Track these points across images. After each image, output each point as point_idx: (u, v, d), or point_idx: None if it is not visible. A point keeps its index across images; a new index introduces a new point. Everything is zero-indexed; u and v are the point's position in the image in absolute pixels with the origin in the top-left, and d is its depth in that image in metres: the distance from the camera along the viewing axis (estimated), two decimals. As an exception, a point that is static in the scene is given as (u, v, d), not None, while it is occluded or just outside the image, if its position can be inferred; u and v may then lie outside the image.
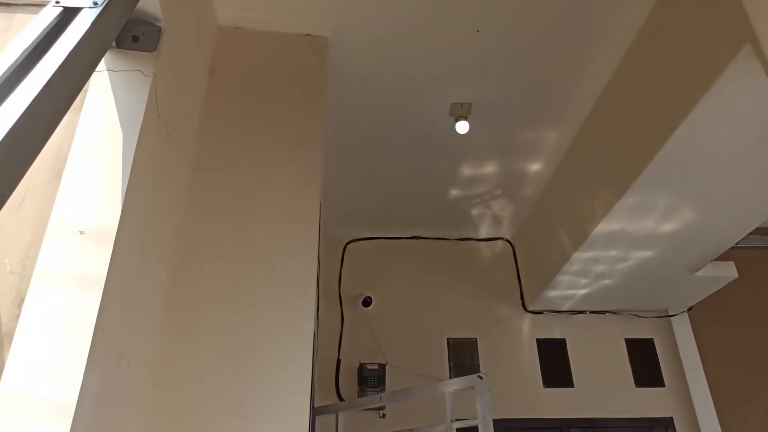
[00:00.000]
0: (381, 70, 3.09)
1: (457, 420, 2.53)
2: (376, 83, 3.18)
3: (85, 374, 1.29)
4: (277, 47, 2.69)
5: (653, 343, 4.41)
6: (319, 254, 2.49)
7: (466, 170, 3.98)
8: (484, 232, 4.75)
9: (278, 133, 2.46)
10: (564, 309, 4.43)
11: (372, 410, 3.79)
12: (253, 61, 2.63)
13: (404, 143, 3.67)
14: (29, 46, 1.18)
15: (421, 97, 3.29)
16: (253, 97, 2.53)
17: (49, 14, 1.27)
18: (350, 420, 3.17)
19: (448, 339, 4.31)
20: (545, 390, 4.19)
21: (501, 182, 4.12)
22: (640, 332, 4.45)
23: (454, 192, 4.22)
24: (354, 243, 4.65)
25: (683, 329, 4.40)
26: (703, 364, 4.26)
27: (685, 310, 4.42)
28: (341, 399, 4.00)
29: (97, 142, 1.62)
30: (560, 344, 4.36)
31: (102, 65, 1.67)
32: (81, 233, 1.45)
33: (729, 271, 3.91)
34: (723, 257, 3.78)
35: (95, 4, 1.32)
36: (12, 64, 1.13)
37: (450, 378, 3.96)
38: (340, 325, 4.30)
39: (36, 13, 1.30)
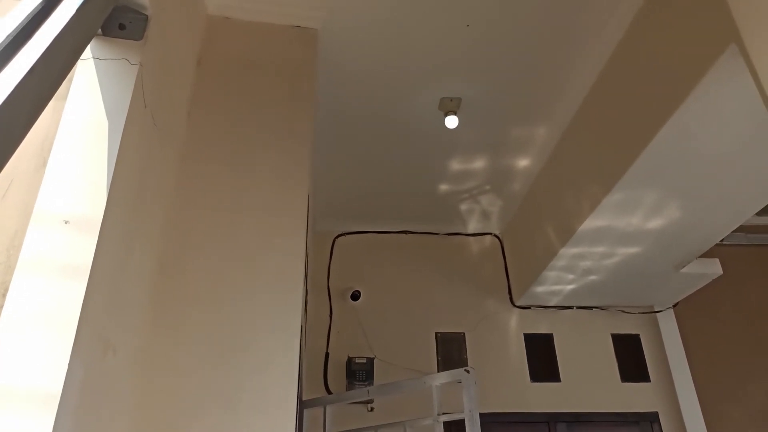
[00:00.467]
0: (370, 64, 3.08)
1: (444, 413, 2.54)
2: (366, 77, 3.17)
3: (70, 364, 1.28)
4: (266, 38, 2.67)
5: (639, 338, 4.45)
6: (307, 248, 2.49)
7: (455, 165, 3.99)
8: (472, 227, 4.76)
9: (266, 125, 2.45)
10: (551, 304, 4.46)
11: (360, 404, 3.80)
12: (242, 52, 2.61)
13: (393, 137, 3.67)
14: (12, 31, 1.16)
15: (410, 92, 3.29)
16: (242, 88, 2.51)
17: (33, -1, 1.25)
18: (338, 413, 3.17)
19: (436, 333, 4.32)
20: (532, 384, 4.21)
21: (490, 178, 4.13)
22: (626, 328, 4.49)
23: (443, 187, 4.22)
24: (343, 237, 4.64)
25: (669, 325, 4.44)
26: (688, 360, 4.31)
27: (671, 306, 4.47)
28: (329, 392, 4.00)
29: (83, 131, 1.60)
30: (547, 339, 4.39)
31: (87, 53, 1.65)
32: (66, 222, 1.43)
33: (714, 268, 3.95)
34: (708, 254, 3.82)
35: (81, -10, 1.30)
36: (-5, 50, 1.11)
37: (438, 372, 3.97)
38: (328, 318, 4.30)
39: (20, -2, 1.28)
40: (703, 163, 2.82)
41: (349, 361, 4.06)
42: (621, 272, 3.93)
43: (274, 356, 2.01)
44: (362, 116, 3.48)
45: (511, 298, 4.51)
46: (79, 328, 1.34)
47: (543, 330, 4.44)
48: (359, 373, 3.99)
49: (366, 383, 3.92)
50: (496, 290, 4.55)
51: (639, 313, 4.52)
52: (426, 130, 3.56)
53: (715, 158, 2.78)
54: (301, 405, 2.77)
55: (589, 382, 4.23)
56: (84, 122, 1.61)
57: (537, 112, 3.49)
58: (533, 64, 3.10)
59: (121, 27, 1.72)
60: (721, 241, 3.66)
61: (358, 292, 4.36)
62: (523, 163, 3.97)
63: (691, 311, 4.46)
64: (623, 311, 4.52)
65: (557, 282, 4.12)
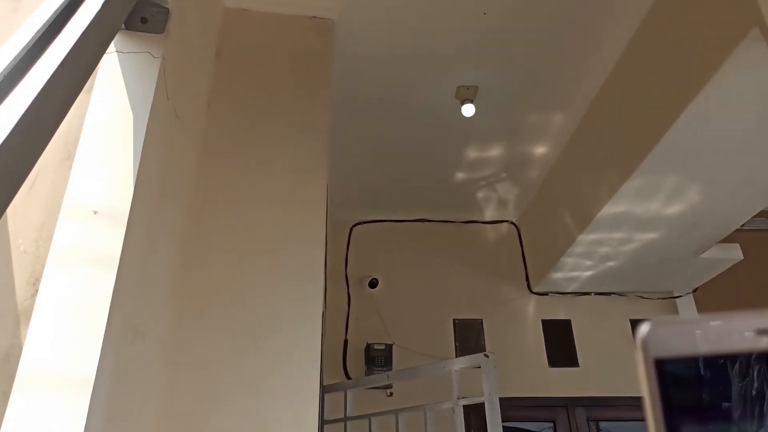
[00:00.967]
0: (387, 53, 3.09)
1: (463, 398, 2.56)
2: (382, 66, 3.18)
3: (102, 350, 1.32)
4: (283, 29, 2.69)
5: (658, 324, 4.44)
6: (326, 237, 2.52)
7: (472, 153, 3.99)
8: (489, 214, 4.76)
9: (284, 115, 2.47)
10: (569, 290, 4.46)
11: (379, 389, 3.84)
12: (260, 43, 2.64)
13: (410, 126, 3.68)
14: (41, 27, 1.19)
15: (426, 80, 3.29)
16: (260, 79, 2.54)
17: (59, -4, 1.28)
18: (358, 399, 3.22)
19: (454, 320, 4.35)
20: (550, 369, 4.23)
21: (506, 165, 4.13)
22: (644, 313, 4.47)
23: (460, 175, 4.23)
24: (360, 226, 4.67)
25: (688, 310, 4.42)
26: (707, 345, 4.28)
27: (690, 291, 4.44)
28: (349, 378, 4.05)
29: (108, 124, 1.63)
30: (565, 325, 4.40)
31: (111, 47, 1.69)
32: (95, 213, 1.47)
33: (734, 253, 3.92)
34: (728, 239, 3.79)
35: (106, -15, 1.33)
36: (25, 46, 1.15)
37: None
38: (347, 306, 4.35)
39: (46, -5, 1.31)
40: (723, 148, 2.79)
41: (368, 348, 4.11)
42: (639, 258, 3.91)
43: (296, 343, 2.05)
44: (379, 105, 3.49)
45: (528, 285, 4.52)
46: (110, 315, 1.38)
47: (561, 316, 4.44)
48: (378, 359, 4.03)
49: (385, 369, 3.96)
50: (514, 277, 4.56)
51: (658, 298, 4.51)
52: (442, 119, 3.57)
53: (735, 143, 2.75)
54: (323, 390, 2.81)
55: (608, 367, 4.23)
56: (109, 115, 1.64)
57: (554, 99, 3.47)
58: (550, 52, 3.08)
59: (143, 21, 1.75)
60: (742, 226, 3.63)
61: (376, 279, 4.40)
62: (540, 150, 3.95)
63: (711, 296, 4.43)
64: (642, 297, 4.50)
65: (575, 268, 4.12)
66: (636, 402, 4.16)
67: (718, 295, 4.42)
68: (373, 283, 4.39)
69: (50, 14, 1.24)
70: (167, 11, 1.81)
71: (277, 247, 2.19)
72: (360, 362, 4.14)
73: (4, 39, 1.12)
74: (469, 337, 4.29)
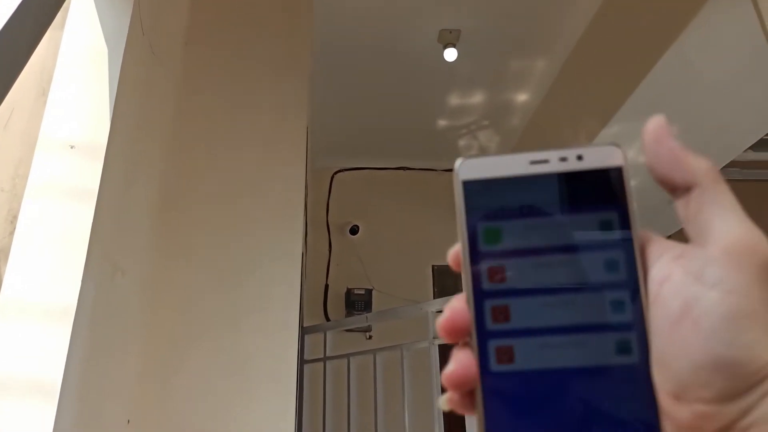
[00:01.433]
0: (369, -6, 3.03)
1: (438, 338, 2.65)
2: (364, 9, 3.12)
3: (82, 282, 1.34)
4: (262, -34, 2.62)
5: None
6: (306, 180, 2.53)
7: (454, 100, 3.98)
8: (470, 163, 4.79)
9: (264, 57, 2.44)
10: (546, 238, 4.55)
11: (359, 332, 3.94)
12: (238, -19, 2.57)
13: (392, 72, 3.65)
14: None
15: (409, 23, 3.24)
16: (239, 19, 2.49)
17: None
18: (337, 341, 3.30)
19: (433, 266, 4.43)
20: (525, 313, 4.36)
21: (488, 113, 4.13)
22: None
23: (442, 122, 4.23)
24: (341, 173, 4.68)
25: (660, 258, 4.54)
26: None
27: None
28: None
29: (82, 58, 1.61)
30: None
31: (84, -22, 1.64)
32: (71, 147, 1.47)
33: (707, 202, 4.01)
34: (701, 188, 3.87)
35: None
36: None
37: (434, 303, 4.10)
38: (327, 252, 4.40)
39: None
40: (701, 94, 2.83)
41: (348, 293, 4.19)
42: (615, 206, 3.99)
43: (276, 282, 2.10)
44: (360, 50, 3.45)
45: (506, 232, 4.60)
46: (90, 248, 1.40)
47: (537, 262, 4.54)
48: (358, 303, 4.12)
49: (365, 313, 4.05)
50: (493, 225, 4.63)
51: (632, 246, 4.62)
52: (425, 63, 3.54)
53: (713, 88, 2.79)
54: (303, 331, 2.88)
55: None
56: (83, 49, 1.62)
57: (536, 44, 3.45)
58: (534, -6, 3.05)
59: (116, -49, 1.69)
60: (715, 175, 3.70)
61: (357, 226, 4.44)
62: (521, 97, 3.96)
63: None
64: (616, 245, 4.61)
65: (553, 214, 4.19)
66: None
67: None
68: (354, 230, 4.44)
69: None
70: (140, -58, 1.75)
71: (256, 188, 2.21)
72: (340, 307, 4.23)
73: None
74: (447, 283, 4.39)
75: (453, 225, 0.33)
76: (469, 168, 0.33)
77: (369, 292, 4.18)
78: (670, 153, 0.32)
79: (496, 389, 0.30)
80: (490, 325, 0.32)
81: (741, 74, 2.65)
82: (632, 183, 0.33)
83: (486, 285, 0.32)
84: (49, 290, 1.34)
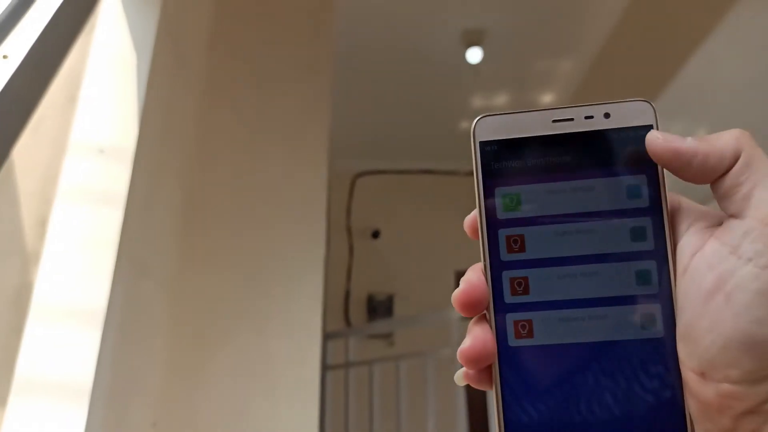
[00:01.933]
0: (392, -4, 3.03)
1: (463, 343, 2.62)
2: (387, 9, 3.12)
3: (112, 284, 1.35)
4: (286, -30, 2.63)
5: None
6: (328, 182, 2.53)
7: (477, 101, 3.95)
8: (493, 166, 4.75)
9: (287, 60, 2.44)
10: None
11: (380, 338, 3.92)
12: (262, -15, 2.58)
13: (415, 73, 3.63)
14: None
15: (432, 24, 3.23)
16: (262, 20, 2.50)
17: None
18: (359, 348, 3.29)
19: (456, 271, 4.39)
20: (549, 319, 4.30)
21: (511, 115, 4.09)
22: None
23: (465, 124, 4.20)
24: (363, 176, 4.67)
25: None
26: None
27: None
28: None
29: (111, 64, 1.62)
30: (565, 276, 4.45)
31: (112, -16, 1.66)
32: (101, 152, 1.48)
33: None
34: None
35: None
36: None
37: (457, 308, 4.06)
38: (348, 257, 4.39)
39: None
40: (729, 94, 2.77)
41: (370, 298, 4.17)
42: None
43: (299, 284, 2.09)
44: (382, 50, 3.44)
45: (530, 237, 4.55)
46: (119, 252, 1.41)
47: (562, 268, 4.48)
48: (379, 309, 4.10)
49: (386, 319, 4.03)
50: (516, 229, 4.58)
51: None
52: (448, 64, 3.51)
53: (741, 89, 2.73)
54: (325, 337, 2.88)
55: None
56: (111, 55, 1.63)
57: (562, 45, 3.41)
58: (559, -5, 3.02)
59: (144, -44, 1.71)
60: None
61: (379, 230, 4.43)
62: (547, 98, 3.91)
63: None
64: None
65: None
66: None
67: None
68: (375, 234, 4.42)
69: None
70: (168, -53, 1.76)
71: (279, 189, 2.21)
72: (362, 313, 4.21)
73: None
74: (470, 288, 4.35)
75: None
76: (486, 127, 0.31)
77: (390, 297, 4.16)
78: (689, 150, 0.30)
79: (515, 365, 0.29)
80: (509, 297, 0.30)
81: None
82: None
83: (504, 255, 0.31)
84: (79, 293, 1.35)
